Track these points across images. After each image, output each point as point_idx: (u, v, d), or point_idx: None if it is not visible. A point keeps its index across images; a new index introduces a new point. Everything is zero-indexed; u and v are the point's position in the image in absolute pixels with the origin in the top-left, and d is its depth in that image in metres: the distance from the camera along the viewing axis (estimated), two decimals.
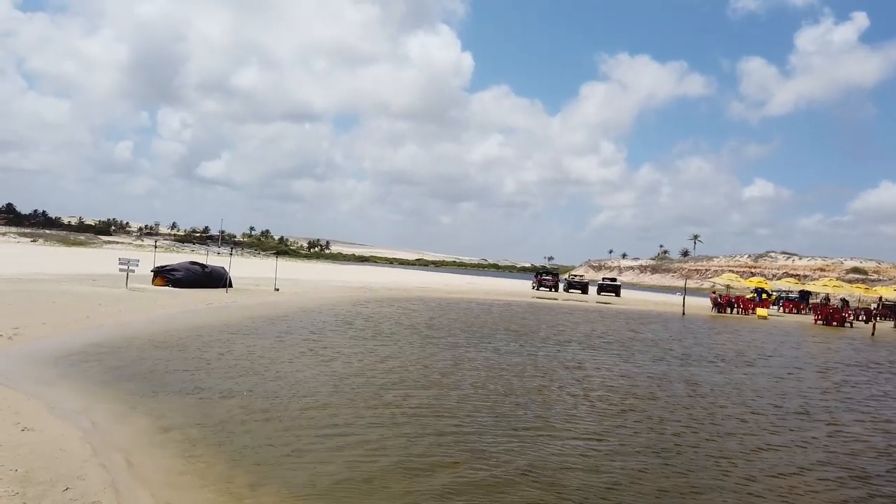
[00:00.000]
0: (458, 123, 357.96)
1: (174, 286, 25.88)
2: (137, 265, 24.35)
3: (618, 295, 52.55)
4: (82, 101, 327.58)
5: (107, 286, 23.70)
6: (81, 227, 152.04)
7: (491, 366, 13.56)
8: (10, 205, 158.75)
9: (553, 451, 7.70)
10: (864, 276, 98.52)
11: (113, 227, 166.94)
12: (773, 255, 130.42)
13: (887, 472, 7.92)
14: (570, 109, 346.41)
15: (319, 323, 19.27)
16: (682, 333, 25.25)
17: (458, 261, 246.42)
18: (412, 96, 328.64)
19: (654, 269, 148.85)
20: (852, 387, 14.58)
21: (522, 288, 55.89)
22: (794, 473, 7.54)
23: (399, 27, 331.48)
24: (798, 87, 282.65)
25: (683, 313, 37.02)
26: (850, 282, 70.82)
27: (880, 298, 44.73)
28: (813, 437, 9.40)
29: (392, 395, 10.04)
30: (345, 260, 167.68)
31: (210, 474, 6.07)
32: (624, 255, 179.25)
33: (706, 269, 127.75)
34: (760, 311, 39.04)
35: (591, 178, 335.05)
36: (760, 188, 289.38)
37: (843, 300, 43.94)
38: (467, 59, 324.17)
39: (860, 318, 40.27)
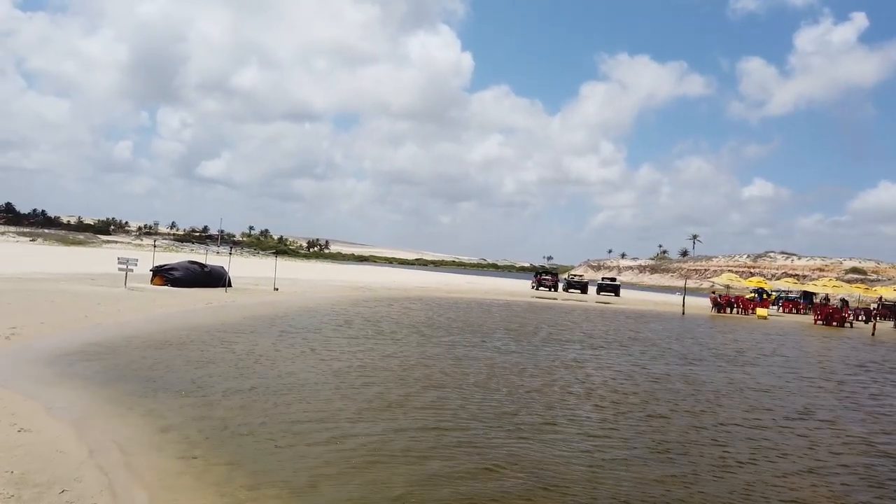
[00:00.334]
0: (458, 123, 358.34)
1: (173, 286, 25.81)
2: (136, 264, 24.27)
3: (617, 295, 52.51)
4: (82, 100, 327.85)
5: (105, 285, 23.63)
6: (81, 227, 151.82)
7: (493, 365, 13.50)
8: (9, 204, 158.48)
9: (557, 451, 7.63)
10: (864, 276, 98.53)
11: (112, 227, 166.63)
12: (772, 255, 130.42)
13: (892, 471, 7.87)
14: (569, 109, 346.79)
15: (319, 322, 19.20)
16: (683, 333, 25.20)
17: (457, 260, 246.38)
18: (412, 96, 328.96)
19: (654, 269, 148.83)
20: (854, 387, 14.54)
21: (522, 288, 55.84)
22: (797, 473, 7.49)
23: (399, 27, 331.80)
24: (797, 88, 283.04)
25: (683, 313, 36.98)
26: (849, 282, 70.86)
27: (880, 298, 44.75)
28: (816, 437, 9.35)
29: (394, 395, 9.98)
30: (344, 260, 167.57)
31: (209, 476, 6.00)
32: (623, 255, 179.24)
33: (705, 269, 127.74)
34: (760, 310, 39.00)
35: (590, 178, 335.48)
36: (760, 188, 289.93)
37: (843, 300, 43.92)
38: (467, 59, 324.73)
39: (860, 318, 40.23)
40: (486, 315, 26.88)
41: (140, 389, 9.07)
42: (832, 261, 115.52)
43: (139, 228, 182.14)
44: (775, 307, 46.56)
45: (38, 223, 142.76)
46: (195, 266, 28.27)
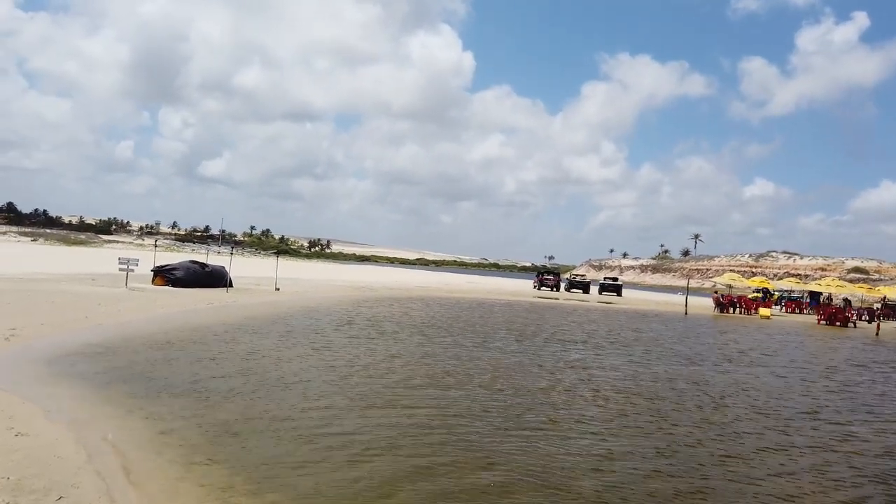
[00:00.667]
0: (458, 123, 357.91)
1: (174, 286, 25.72)
2: (137, 265, 24.17)
3: (619, 295, 52.37)
4: (84, 100, 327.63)
5: (106, 286, 23.53)
6: (82, 227, 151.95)
7: (496, 366, 13.39)
8: (10, 204, 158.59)
9: (563, 452, 7.53)
10: (866, 276, 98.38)
11: (113, 227, 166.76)
12: (774, 254, 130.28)
13: None
14: (571, 109, 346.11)
15: (321, 323, 19.10)
16: (686, 333, 25.08)
17: (458, 260, 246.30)
18: (413, 96, 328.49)
19: (655, 269, 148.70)
20: (859, 387, 14.42)
21: (523, 288, 55.72)
22: (802, 472, 7.39)
23: (400, 27, 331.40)
24: (799, 87, 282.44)
25: (686, 313, 36.85)
26: (851, 281, 70.67)
27: (884, 298, 44.58)
28: (821, 438, 9.26)
29: (398, 396, 9.87)
30: (345, 259, 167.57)
31: (209, 481, 5.88)
32: (625, 255, 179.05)
33: (707, 269, 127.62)
34: (763, 310, 38.84)
35: (591, 178, 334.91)
36: (761, 188, 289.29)
37: (846, 300, 43.75)
38: (468, 59, 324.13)
39: (863, 318, 40.03)
40: (488, 315, 26.77)
41: (140, 391, 8.96)
42: (834, 260, 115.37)
43: (140, 228, 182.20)
44: (778, 307, 46.40)
45: (40, 223, 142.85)
46: (196, 266, 28.17)
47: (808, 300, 46.21)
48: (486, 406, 9.70)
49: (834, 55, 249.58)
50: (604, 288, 54.51)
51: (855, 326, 35.91)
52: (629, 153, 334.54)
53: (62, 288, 21.63)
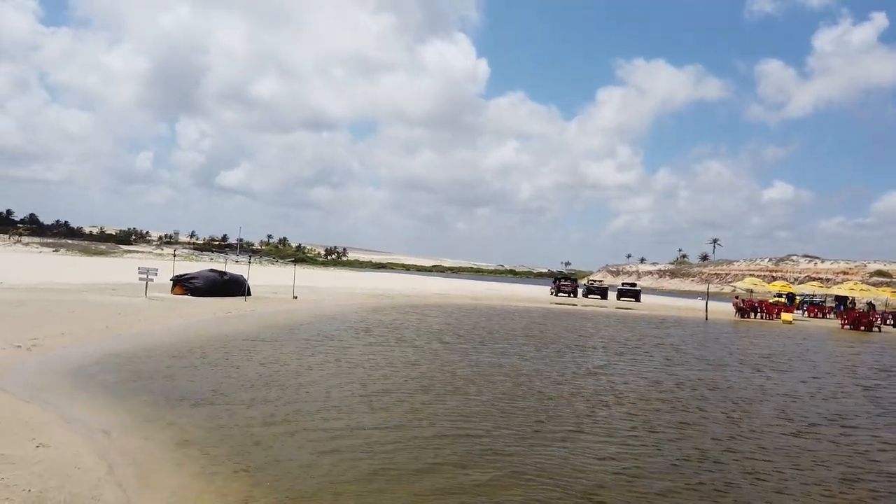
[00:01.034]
0: (473, 130, 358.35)
1: (193, 295, 25.83)
2: (156, 274, 24.31)
3: (638, 300, 51.91)
4: (104, 113, 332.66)
5: (126, 295, 23.69)
6: (102, 237, 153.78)
7: (517, 373, 13.25)
8: (32, 215, 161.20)
9: (589, 460, 7.39)
10: (889, 280, 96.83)
11: (133, 237, 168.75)
12: (794, 258, 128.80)
13: None
14: (586, 114, 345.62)
15: (340, 330, 19.06)
16: (707, 339, 24.75)
17: (474, 267, 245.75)
18: (428, 104, 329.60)
19: (674, 274, 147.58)
20: (886, 392, 14.11)
21: (541, 294, 55.43)
22: (832, 480, 7.19)
23: (415, 36, 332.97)
24: (817, 89, 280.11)
25: (706, 318, 36.43)
26: (874, 285, 69.60)
27: None
28: (850, 444, 9.08)
29: (420, 404, 9.79)
30: (362, 267, 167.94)
31: (230, 494, 5.81)
32: (642, 260, 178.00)
33: (726, 274, 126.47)
34: (785, 315, 38.29)
35: (607, 183, 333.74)
36: (780, 191, 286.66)
37: (870, 304, 43.04)
38: (483, 66, 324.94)
39: (888, 321, 39.30)
40: (506, 321, 26.61)
41: (160, 401, 8.94)
42: (856, 264, 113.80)
43: (160, 238, 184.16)
44: (800, 311, 45.75)
45: (61, 234, 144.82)
46: (215, 274, 28.28)
47: (835, 305, 45.40)
48: (510, 414, 9.58)
49: (852, 56, 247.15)
50: (622, 293, 54.09)
51: (879, 331, 35.29)
52: (645, 158, 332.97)
53: (82, 298, 21.80)
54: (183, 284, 26.59)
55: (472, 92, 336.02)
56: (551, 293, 54.84)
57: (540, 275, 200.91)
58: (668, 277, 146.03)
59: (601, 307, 42.89)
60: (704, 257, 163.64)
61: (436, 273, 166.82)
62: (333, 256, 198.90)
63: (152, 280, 24.02)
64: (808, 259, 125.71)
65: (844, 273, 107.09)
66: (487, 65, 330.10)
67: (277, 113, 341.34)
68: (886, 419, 11.11)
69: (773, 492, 6.86)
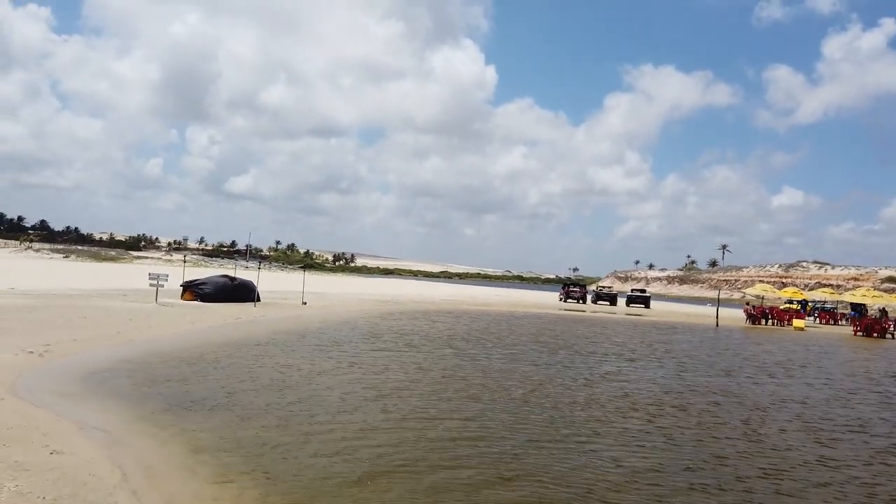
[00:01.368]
0: (481, 136, 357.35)
1: (203, 300, 25.86)
2: (167, 280, 24.38)
3: (648, 307, 51.62)
4: (115, 119, 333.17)
5: (137, 301, 23.74)
6: (112, 243, 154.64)
7: (530, 379, 13.16)
8: (43, 222, 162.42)
9: (609, 466, 7.30)
10: None
11: (143, 243, 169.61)
12: (804, 264, 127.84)
13: None
14: (594, 120, 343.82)
15: (351, 336, 19.02)
16: (719, 345, 24.57)
17: (482, 273, 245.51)
18: (436, 110, 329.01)
19: (683, 280, 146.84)
20: None
21: (550, 300, 55.26)
22: (851, 485, 7.08)
23: (424, 42, 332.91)
24: (826, 95, 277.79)
25: (717, 325, 36.19)
26: (886, 291, 69.02)
27: None
28: (867, 450, 9.02)
29: (435, 411, 9.74)
30: (370, 273, 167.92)
31: (245, 501, 5.77)
32: (651, 266, 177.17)
33: (736, 280, 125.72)
34: (797, 322, 37.99)
35: (615, 189, 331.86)
36: (789, 196, 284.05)
37: (882, 310, 42.62)
38: (491, 73, 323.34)
39: None
40: (516, 328, 26.51)
41: (173, 407, 8.92)
42: (867, 270, 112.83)
43: (169, 244, 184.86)
44: (811, 318, 45.36)
45: (72, 240, 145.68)
46: (225, 279, 28.33)
47: (851, 312, 44.82)
48: (526, 420, 9.52)
49: (862, 62, 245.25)
50: (632, 300, 53.82)
51: (893, 337, 34.96)
52: (654, 164, 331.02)
53: (94, 303, 21.86)
54: (193, 290, 26.62)
55: (481, 98, 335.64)
56: (560, 299, 54.64)
57: (548, 281, 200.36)
58: (676, 284, 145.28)
59: (611, 314, 42.70)
60: (713, 263, 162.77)
61: (444, 279, 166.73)
62: (341, 262, 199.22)
63: (163, 286, 24.09)
64: (819, 265, 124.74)
65: (855, 279, 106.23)
66: (495, 71, 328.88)
67: (286, 120, 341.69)
68: None
69: (795, 499, 6.76)
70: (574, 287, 57.00)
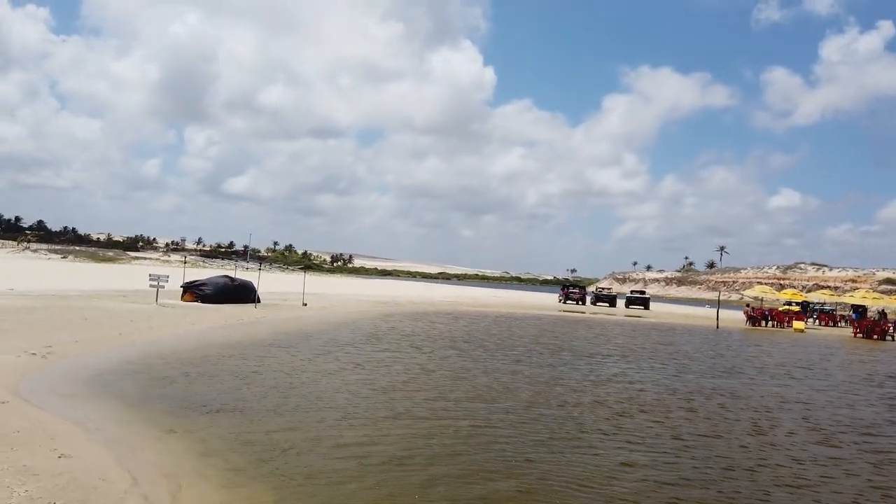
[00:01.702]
0: (480, 137, 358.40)
1: (203, 301, 25.73)
2: (167, 281, 24.27)
3: (647, 308, 51.66)
4: (113, 120, 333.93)
5: (137, 302, 23.62)
6: (110, 244, 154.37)
7: (535, 380, 13.09)
8: (40, 222, 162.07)
9: (621, 469, 7.23)
10: None
11: (140, 243, 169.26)
12: (802, 266, 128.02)
13: None
14: (592, 121, 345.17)
15: (353, 338, 18.93)
16: (720, 347, 24.53)
17: (480, 274, 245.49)
18: (435, 111, 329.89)
19: (681, 282, 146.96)
20: None
21: (549, 301, 55.23)
22: (863, 488, 7.02)
23: (423, 44, 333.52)
24: (823, 97, 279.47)
25: (717, 326, 36.16)
26: (884, 293, 69.10)
27: None
28: (872, 452, 8.97)
29: (443, 413, 9.66)
30: (368, 274, 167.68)
31: (256, 503, 5.70)
32: (648, 267, 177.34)
33: (734, 281, 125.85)
34: (797, 324, 37.98)
35: (613, 190, 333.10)
36: (787, 198, 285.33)
37: (881, 312, 42.62)
38: (489, 74, 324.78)
39: None
40: (517, 329, 26.44)
41: (179, 409, 8.83)
42: (865, 272, 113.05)
43: (166, 245, 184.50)
44: (811, 319, 45.37)
45: (69, 240, 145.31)
46: (225, 280, 28.21)
47: (852, 314, 44.77)
48: (533, 421, 9.46)
49: (859, 64, 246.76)
50: (631, 301, 53.83)
51: (893, 339, 34.96)
52: (652, 165, 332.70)
53: (94, 304, 21.74)
54: (193, 291, 26.49)
55: (479, 99, 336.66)
56: (559, 301, 54.63)
57: (546, 282, 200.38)
58: (674, 285, 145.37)
59: (610, 315, 42.67)
60: (711, 265, 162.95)
61: (442, 280, 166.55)
62: (339, 263, 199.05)
63: (163, 287, 23.97)
64: (816, 267, 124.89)
65: (853, 281, 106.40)
66: (494, 72, 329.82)
67: (285, 120, 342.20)
68: None
69: (809, 501, 6.72)
70: (573, 288, 57.03)
